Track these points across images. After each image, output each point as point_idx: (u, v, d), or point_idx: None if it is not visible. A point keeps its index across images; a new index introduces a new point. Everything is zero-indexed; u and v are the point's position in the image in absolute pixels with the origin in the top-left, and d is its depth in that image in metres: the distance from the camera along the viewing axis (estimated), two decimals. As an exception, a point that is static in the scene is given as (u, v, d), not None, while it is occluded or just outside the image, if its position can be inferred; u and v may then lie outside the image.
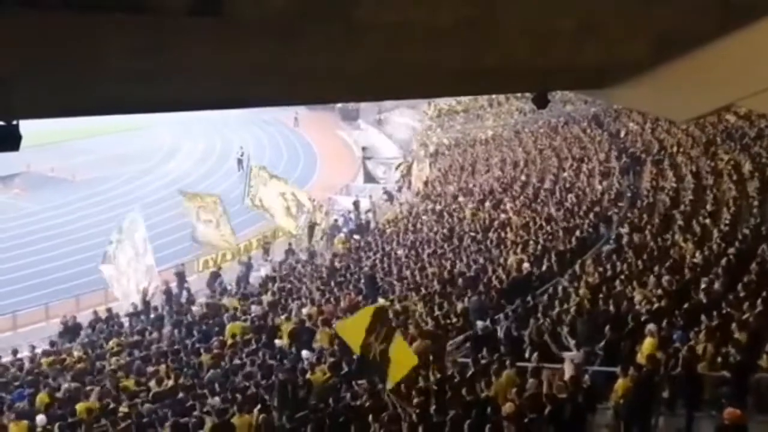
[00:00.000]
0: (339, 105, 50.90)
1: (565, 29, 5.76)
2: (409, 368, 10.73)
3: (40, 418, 12.23)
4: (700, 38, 6.03)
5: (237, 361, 14.63)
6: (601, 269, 16.74)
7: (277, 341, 15.65)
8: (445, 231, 24.75)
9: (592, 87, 7.22)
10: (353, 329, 10.99)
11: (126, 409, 12.40)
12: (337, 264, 23.79)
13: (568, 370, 11.12)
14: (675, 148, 27.39)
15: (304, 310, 18.05)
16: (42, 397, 13.33)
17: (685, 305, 12.71)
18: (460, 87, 7.58)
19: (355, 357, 12.12)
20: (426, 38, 5.36)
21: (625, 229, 19.99)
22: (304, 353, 14.66)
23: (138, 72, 4.80)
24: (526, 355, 12.45)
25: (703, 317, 11.81)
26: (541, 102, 7.97)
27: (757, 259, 14.59)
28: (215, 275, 24.54)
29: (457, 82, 6.45)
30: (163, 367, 14.71)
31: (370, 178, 41.31)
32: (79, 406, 12.54)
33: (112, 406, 12.37)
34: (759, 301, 11.97)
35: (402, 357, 10.58)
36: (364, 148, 43.47)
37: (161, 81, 5.03)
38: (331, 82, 5.67)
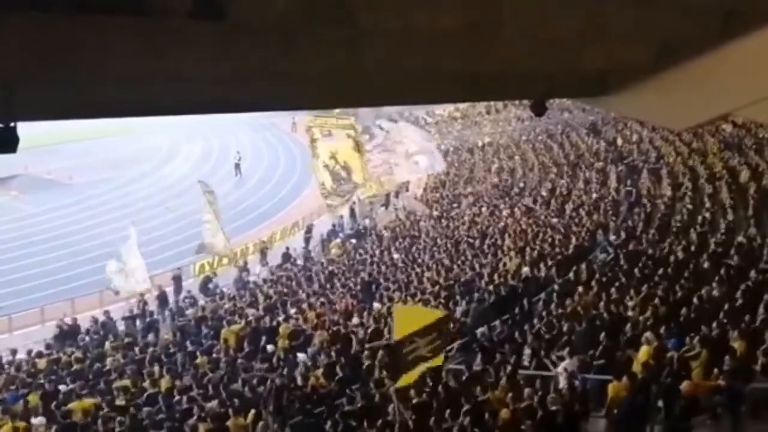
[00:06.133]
0: (337, 111, 50.86)
1: (567, 35, 5.77)
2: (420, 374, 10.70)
3: (39, 420, 12.20)
4: (700, 47, 6.05)
5: (233, 365, 14.59)
6: (597, 277, 16.75)
7: (269, 347, 15.60)
8: (442, 237, 24.77)
9: (593, 95, 7.23)
10: (407, 319, 10.67)
11: (122, 404, 12.37)
12: (333, 268, 23.79)
13: (561, 380, 11.12)
14: (672, 157, 27.47)
15: (293, 311, 18.09)
16: (33, 399, 13.28)
17: (682, 313, 12.70)
18: (461, 93, 7.58)
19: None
20: (427, 43, 5.37)
21: (621, 237, 20.02)
22: (300, 356, 14.65)
23: (138, 75, 4.79)
24: (524, 361, 12.46)
25: (702, 327, 11.78)
26: (539, 109, 7.97)
27: (757, 268, 14.59)
28: (207, 280, 24.52)
29: (458, 88, 6.46)
30: (156, 368, 14.67)
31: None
32: (74, 405, 12.50)
33: (105, 410, 12.32)
34: (759, 307, 11.99)
35: (427, 368, 10.59)
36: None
37: (161, 84, 5.02)
38: (332, 86, 5.68)
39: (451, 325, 15.48)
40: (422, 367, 10.26)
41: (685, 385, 9.53)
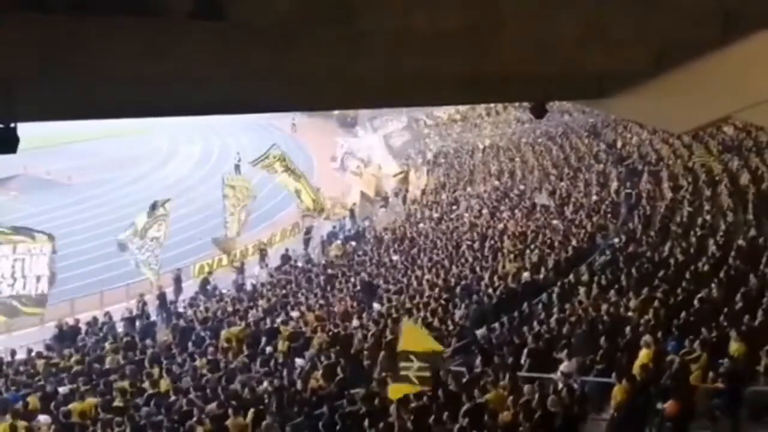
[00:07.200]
0: (336, 111, 50.87)
1: (567, 37, 5.78)
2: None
3: (44, 418, 12.18)
4: (700, 49, 6.06)
5: (232, 367, 14.57)
6: (597, 279, 16.73)
7: (268, 348, 15.57)
8: (442, 239, 24.74)
9: (592, 97, 7.24)
10: (413, 337, 11.13)
11: (121, 404, 12.35)
12: (332, 270, 23.76)
13: (560, 382, 11.12)
14: (672, 159, 27.47)
15: (294, 314, 18.07)
16: (33, 401, 13.24)
17: (681, 316, 12.69)
18: (461, 95, 7.59)
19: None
20: (427, 44, 5.37)
21: (621, 239, 20.01)
22: (298, 361, 14.60)
23: (139, 76, 4.80)
24: (522, 363, 12.45)
25: (702, 330, 11.76)
26: (538, 112, 7.98)
27: (756, 271, 14.58)
28: (206, 281, 24.53)
29: (457, 89, 6.47)
30: (156, 370, 14.64)
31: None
32: (73, 407, 12.48)
33: (101, 414, 12.28)
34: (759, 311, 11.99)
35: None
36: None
37: (162, 85, 5.02)
38: (332, 88, 5.68)
39: (452, 327, 15.57)
40: (406, 389, 10.65)
41: (669, 405, 9.47)
